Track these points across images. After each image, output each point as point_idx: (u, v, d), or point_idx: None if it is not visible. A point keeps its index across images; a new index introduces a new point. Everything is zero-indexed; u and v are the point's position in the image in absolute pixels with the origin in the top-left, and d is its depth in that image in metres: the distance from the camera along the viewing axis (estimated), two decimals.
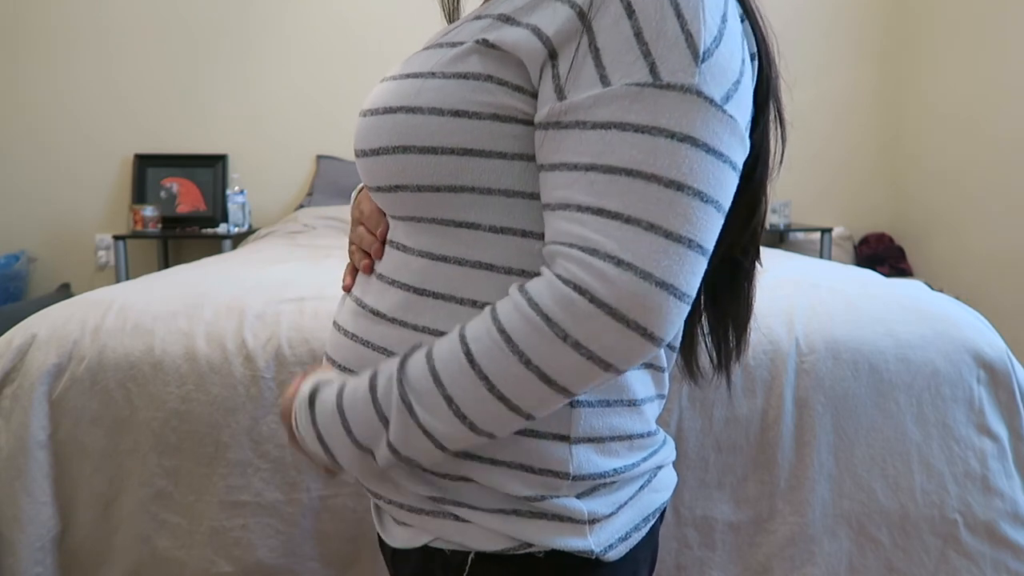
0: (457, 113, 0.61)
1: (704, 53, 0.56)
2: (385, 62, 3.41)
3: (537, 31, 0.59)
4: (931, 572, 1.15)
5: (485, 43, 0.61)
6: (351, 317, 0.71)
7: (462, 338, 0.58)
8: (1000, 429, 1.19)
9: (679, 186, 0.55)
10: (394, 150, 0.63)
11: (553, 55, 0.58)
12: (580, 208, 0.56)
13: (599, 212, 0.55)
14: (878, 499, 1.15)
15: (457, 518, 0.66)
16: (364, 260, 0.72)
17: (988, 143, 3.03)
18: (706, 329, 0.78)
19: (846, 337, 1.19)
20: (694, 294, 0.57)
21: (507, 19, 0.61)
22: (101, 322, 1.23)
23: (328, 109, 3.47)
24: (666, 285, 0.54)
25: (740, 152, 0.59)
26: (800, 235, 3.52)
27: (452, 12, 0.83)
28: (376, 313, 0.68)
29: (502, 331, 0.56)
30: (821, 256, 3.29)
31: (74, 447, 1.17)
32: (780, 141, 0.70)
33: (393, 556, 0.74)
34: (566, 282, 0.54)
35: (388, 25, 3.44)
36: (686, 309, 0.56)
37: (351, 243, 0.75)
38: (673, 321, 0.55)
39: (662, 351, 0.70)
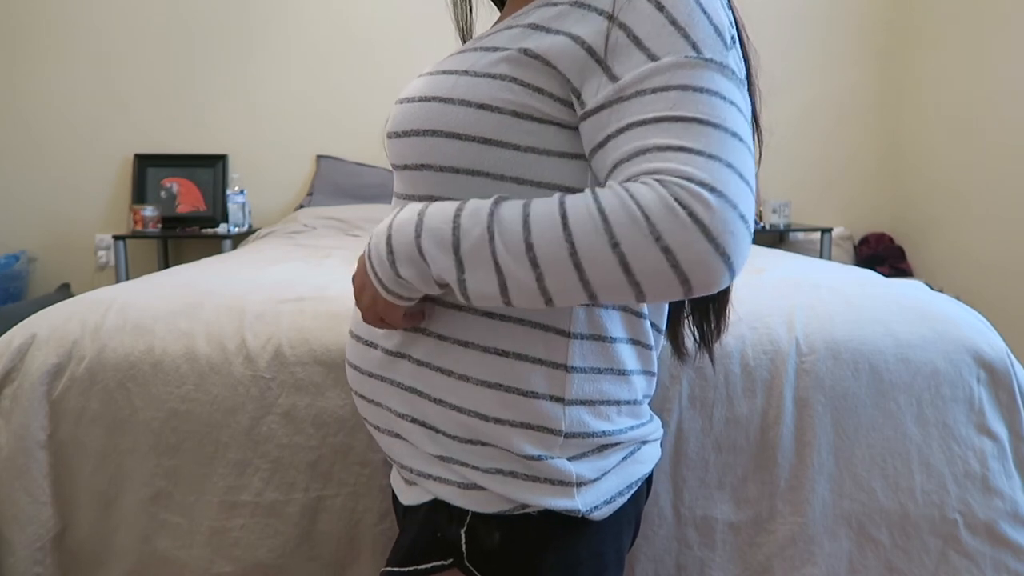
0: (482, 106, 0.69)
1: (729, 43, 0.65)
2: (385, 62, 3.42)
3: (576, 38, 0.66)
4: (931, 572, 1.15)
5: (526, 52, 0.68)
6: None
7: (560, 203, 0.62)
8: (1000, 429, 1.19)
9: (740, 138, 0.62)
10: (424, 133, 0.71)
11: (594, 55, 0.66)
12: (660, 148, 0.60)
13: (681, 149, 0.60)
14: (878, 499, 1.15)
15: (460, 484, 0.73)
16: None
17: (988, 143, 3.03)
18: (688, 312, 0.88)
19: (846, 337, 1.19)
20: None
21: (538, 27, 0.69)
22: (101, 322, 1.23)
23: (328, 109, 3.47)
24: (746, 219, 0.60)
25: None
26: (800, 235, 3.52)
27: (465, 31, 0.92)
28: None
29: (601, 211, 0.59)
30: (821, 256, 3.29)
31: (74, 447, 1.17)
32: (758, 145, 0.79)
33: (405, 513, 0.82)
34: (672, 194, 0.58)
35: (388, 26, 3.44)
36: (750, 247, 0.62)
37: None
38: (745, 254, 0.60)
39: (649, 329, 0.78)
